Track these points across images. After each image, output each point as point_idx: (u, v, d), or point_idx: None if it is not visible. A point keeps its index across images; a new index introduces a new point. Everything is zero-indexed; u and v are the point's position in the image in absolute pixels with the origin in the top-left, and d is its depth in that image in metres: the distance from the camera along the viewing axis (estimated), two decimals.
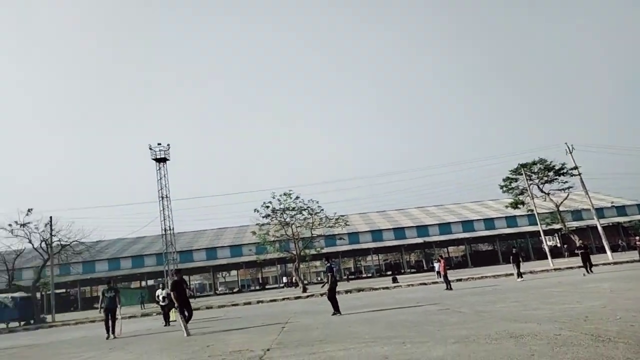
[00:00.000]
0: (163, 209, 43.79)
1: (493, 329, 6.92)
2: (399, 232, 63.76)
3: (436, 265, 31.90)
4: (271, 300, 26.54)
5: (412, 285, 26.70)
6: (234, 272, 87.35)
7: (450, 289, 19.24)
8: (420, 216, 69.31)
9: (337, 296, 12.98)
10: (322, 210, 37.06)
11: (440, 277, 24.87)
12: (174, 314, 16.17)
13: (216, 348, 8.14)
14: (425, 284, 26.85)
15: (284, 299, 26.84)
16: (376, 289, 26.22)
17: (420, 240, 62.06)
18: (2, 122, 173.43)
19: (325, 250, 48.61)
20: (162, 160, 44.17)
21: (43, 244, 33.47)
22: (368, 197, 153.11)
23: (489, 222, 64.42)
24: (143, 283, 66.17)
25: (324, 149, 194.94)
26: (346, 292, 26.63)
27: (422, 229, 63.98)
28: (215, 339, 9.61)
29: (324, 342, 7.40)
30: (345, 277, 57.44)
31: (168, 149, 44.60)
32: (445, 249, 77.90)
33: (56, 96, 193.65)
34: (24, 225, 32.50)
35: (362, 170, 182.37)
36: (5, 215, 60.09)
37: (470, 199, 77.50)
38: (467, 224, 64.35)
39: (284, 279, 60.01)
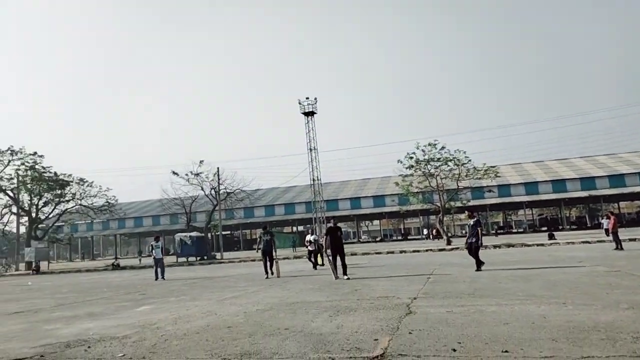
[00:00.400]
0: (311, 160, 46.24)
1: None
2: (559, 184, 57.56)
3: (604, 222, 28.21)
4: (414, 251, 26.64)
5: (573, 243, 24.21)
6: (376, 222, 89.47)
7: (621, 248, 16.96)
8: (586, 167, 61.30)
9: (480, 251, 12.27)
10: (470, 160, 35.23)
11: (608, 235, 21.97)
12: (321, 259, 16.88)
13: (364, 292, 8.52)
14: (588, 242, 24.09)
15: (427, 250, 26.70)
16: (529, 245, 24.41)
17: (584, 193, 55.33)
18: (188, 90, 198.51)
19: (471, 203, 46.62)
20: (310, 114, 46.17)
21: (212, 192, 38.29)
22: (521, 147, 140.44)
23: None
24: (294, 228, 71.93)
25: (478, 93, 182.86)
26: (494, 247, 25.35)
27: (587, 181, 56.70)
28: (362, 284, 10.05)
29: (473, 295, 7.21)
30: (493, 232, 54.49)
31: (315, 103, 46.28)
32: (616, 204, 68.41)
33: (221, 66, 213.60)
34: (197, 175, 37.44)
35: (521, 115, 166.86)
36: (183, 165, 69.87)
37: None
38: None
39: (425, 231, 59.13)
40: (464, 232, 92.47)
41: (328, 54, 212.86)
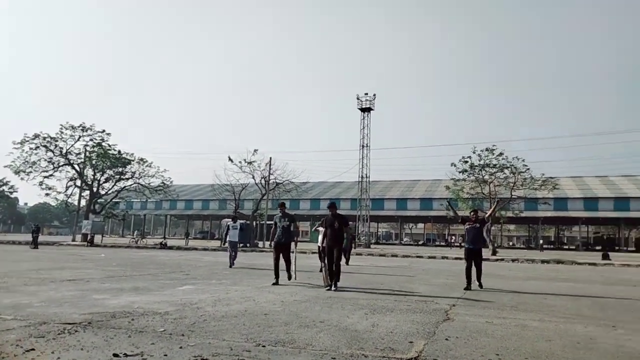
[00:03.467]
0: (362, 157, 45.99)
1: None
2: (621, 202, 54.12)
3: None
4: (456, 258, 25.97)
5: (629, 265, 22.75)
6: (420, 225, 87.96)
7: None
8: None
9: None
10: (528, 169, 33.80)
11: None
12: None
13: (401, 294, 8.42)
14: None
15: None
16: (580, 264, 23.17)
17: None
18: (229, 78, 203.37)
19: (524, 215, 44.80)
20: (367, 110, 45.82)
21: (262, 181, 39.00)
22: (587, 159, 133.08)
23: None
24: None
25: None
26: (542, 261, 24.26)
27: None
28: (400, 286, 9.94)
29: (516, 309, 6.95)
30: (533, 246, 51.57)
31: (374, 99, 45.90)
32: None
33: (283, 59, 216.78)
34: (250, 163, 38.26)
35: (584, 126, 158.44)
36: (238, 153, 71.41)
37: None
38: None
39: (453, 239, 55.85)
40: (510, 243, 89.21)
41: (392, 49, 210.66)
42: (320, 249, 10.41)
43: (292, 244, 9.80)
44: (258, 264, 16.74)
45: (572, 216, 54.78)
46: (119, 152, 41.91)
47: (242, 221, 37.15)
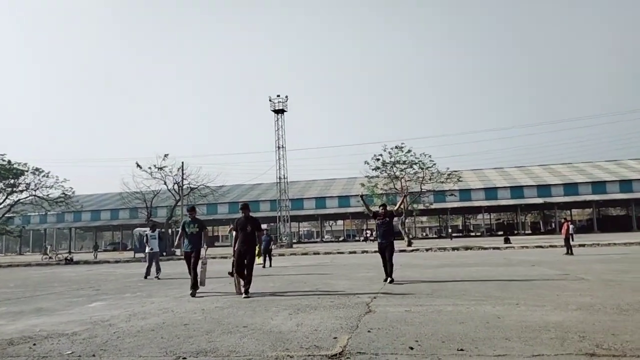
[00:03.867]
0: (279, 158, 46.01)
1: (623, 300, 6.24)
2: (517, 190, 59.68)
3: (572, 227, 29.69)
4: (375, 252, 26.93)
5: (527, 247, 25.11)
6: (340, 222, 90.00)
7: (571, 253, 17.73)
8: (543, 174, 63.87)
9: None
10: (434, 164, 35.99)
11: (574, 240, 22.65)
12: (259, 258, 15.83)
13: (324, 291, 8.51)
14: (541, 246, 25.06)
15: None
16: (486, 249, 25.15)
17: (540, 200, 57.61)
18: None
19: (433, 206, 47.62)
20: (280, 112, 45.86)
21: (175, 186, 37.45)
22: (485, 152, 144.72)
23: (626, 185, 57.04)
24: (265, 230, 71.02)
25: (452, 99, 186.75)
26: (453, 249, 25.98)
27: (543, 189, 59.09)
28: (323, 283, 10.05)
29: (431, 295, 7.33)
30: (445, 235, 55.12)
31: (286, 101, 46.05)
32: (569, 211, 71.54)
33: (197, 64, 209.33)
34: (160, 168, 36.54)
35: (490, 122, 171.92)
36: (146, 159, 67.94)
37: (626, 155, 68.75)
38: (598, 185, 57.73)
39: (366, 234, 57.00)
40: (423, 234, 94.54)
41: (302, 53, 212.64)
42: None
43: (202, 250, 9.03)
44: (175, 272, 16.03)
45: (476, 205, 59.34)
46: (9, 162, 37.99)
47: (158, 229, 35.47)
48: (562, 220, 20.73)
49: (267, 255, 16.96)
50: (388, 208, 9.96)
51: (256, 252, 8.16)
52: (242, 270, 8.11)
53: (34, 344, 4.77)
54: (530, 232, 68.99)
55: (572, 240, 19.44)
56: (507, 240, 29.76)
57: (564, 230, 18.93)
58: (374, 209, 10.70)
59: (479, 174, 67.59)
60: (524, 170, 67.45)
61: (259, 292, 8.52)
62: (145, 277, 13.31)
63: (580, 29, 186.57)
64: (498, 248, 25.12)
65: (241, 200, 66.41)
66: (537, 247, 25.15)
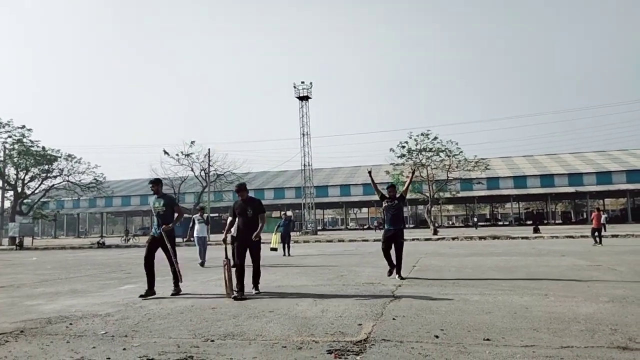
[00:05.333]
0: (304, 145, 46.11)
1: None
2: (547, 179, 58.22)
3: (603, 217, 29.19)
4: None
5: (557, 237, 24.54)
6: (364, 210, 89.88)
7: (601, 244, 17.21)
8: (574, 163, 61.99)
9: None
10: (461, 152, 35.44)
11: (606, 230, 22.00)
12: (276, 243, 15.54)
13: (349, 278, 8.55)
14: (572, 237, 24.45)
15: (413, 239, 26.90)
16: (514, 238, 24.71)
17: (571, 189, 56.03)
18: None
19: (460, 195, 47.00)
20: (304, 98, 45.84)
21: (202, 173, 38.07)
22: (518, 139, 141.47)
23: None
24: (282, 213, 71.86)
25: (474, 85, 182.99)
26: (480, 238, 25.63)
27: (575, 177, 57.40)
28: (348, 270, 10.09)
29: (457, 285, 7.27)
30: (471, 224, 54.30)
31: (311, 87, 45.93)
32: (602, 200, 69.45)
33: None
34: (187, 155, 37.20)
35: (512, 109, 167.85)
36: (173, 146, 69.22)
37: None
38: (634, 174, 55.62)
39: (375, 222, 56.05)
40: (450, 222, 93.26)
41: (328, 43, 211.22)
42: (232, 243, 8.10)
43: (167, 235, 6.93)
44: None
45: (504, 194, 58.20)
46: (43, 148, 39.27)
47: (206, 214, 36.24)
48: (594, 211, 19.92)
49: (285, 243, 15.61)
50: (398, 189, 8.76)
51: (260, 238, 6.79)
52: (243, 263, 6.68)
53: (70, 324, 4.97)
54: (560, 221, 67.31)
55: (605, 230, 18.83)
56: (536, 230, 29.16)
57: (595, 220, 18.21)
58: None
59: (508, 161, 66.16)
60: (554, 158, 65.61)
61: (283, 278, 8.60)
62: (202, 265, 12.21)
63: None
64: (527, 238, 24.64)
65: (267, 187, 67.05)
66: (567, 237, 24.57)
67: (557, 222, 65.98)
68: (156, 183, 7.20)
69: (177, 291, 6.97)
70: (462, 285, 7.20)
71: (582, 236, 23.97)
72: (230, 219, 7.25)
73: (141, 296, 6.72)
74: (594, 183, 56.40)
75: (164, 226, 6.88)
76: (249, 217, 6.79)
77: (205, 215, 14.13)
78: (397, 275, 8.03)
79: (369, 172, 8.95)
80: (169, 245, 6.92)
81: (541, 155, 68.00)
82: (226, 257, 6.76)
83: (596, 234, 17.57)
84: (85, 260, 17.28)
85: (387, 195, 8.31)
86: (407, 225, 31.91)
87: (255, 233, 6.69)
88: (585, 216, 61.02)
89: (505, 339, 3.85)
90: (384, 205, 8.33)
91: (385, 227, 8.29)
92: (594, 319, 4.52)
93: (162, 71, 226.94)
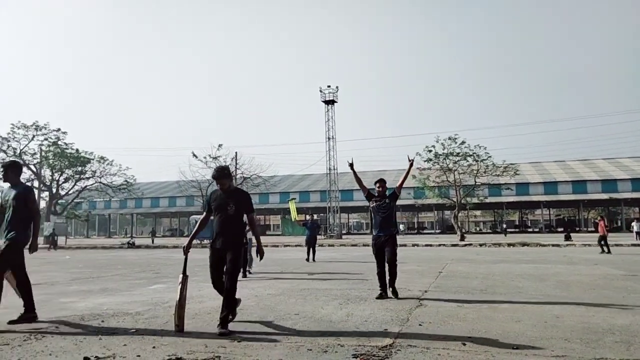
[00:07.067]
0: (329, 149, 46.19)
1: None
2: (579, 185, 56.46)
3: (635, 225, 28.53)
4: (426, 245, 26.52)
5: (589, 245, 23.79)
6: None
7: (608, 252, 16.67)
8: (608, 169, 59.98)
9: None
10: (490, 157, 34.81)
11: (638, 239, 21.27)
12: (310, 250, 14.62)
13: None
14: None
15: (440, 245, 26.55)
16: (544, 245, 24.06)
17: (605, 196, 54.22)
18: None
19: (488, 200, 46.10)
20: (330, 102, 45.94)
21: None
22: (546, 145, 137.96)
23: None
24: (308, 217, 72.11)
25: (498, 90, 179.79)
26: (508, 245, 25.08)
27: (608, 184, 55.50)
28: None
29: (485, 292, 7.15)
30: (500, 230, 53.04)
31: (337, 91, 46.01)
32: (637, 207, 66.94)
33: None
34: (215, 158, 37.75)
35: (541, 113, 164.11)
36: (202, 149, 70.38)
37: None
38: None
39: (400, 226, 55.30)
40: (477, 228, 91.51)
41: (353, 45, 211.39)
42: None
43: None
44: None
45: (534, 200, 56.75)
46: (77, 150, 40.58)
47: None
48: (598, 218, 19.05)
49: (311, 248, 14.52)
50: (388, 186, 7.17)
51: (254, 248, 5.14)
52: (221, 278, 4.71)
53: (102, 321, 5.12)
54: (593, 229, 65.18)
55: (638, 239, 18.15)
56: (567, 238, 28.31)
57: (601, 228, 17.70)
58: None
59: (538, 167, 64.55)
60: (587, 164, 63.65)
61: (307, 281, 8.60)
62: (245, 275, 9.94)
63: None
64: (558, 245, 23.97)
65: (292, 190, 67.27)
66: None
67: (589, 229, 63.90)
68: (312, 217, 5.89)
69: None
70: (490, 292, 7.07)
71: (616, 244, 23.14)
72: (202, 216, 5.08)
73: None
74: (629, 190, 54.44)
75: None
76: (230, 214, 4.75)
77: (319, 218, 14.40)
78: (389, 292, 6.56)
79: (350, 165, 7.22)
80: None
81: (573, 161, 66.08)
82: (184, 272, 4.78)
83: (602, 242, 17.07)
84: (115, 259, 17.72)
85: (376, 193, 6.89)
86: (434, 230, 31.04)
87: (257, 248, 4.91)
88: (620, 224, 58.90)
89: (535, 349, 3.76)
90: (371, 205, 6.86)
91: (374, 232, 6.79)
92: (629, 331, 4.37)
93: (196, 79, 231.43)
